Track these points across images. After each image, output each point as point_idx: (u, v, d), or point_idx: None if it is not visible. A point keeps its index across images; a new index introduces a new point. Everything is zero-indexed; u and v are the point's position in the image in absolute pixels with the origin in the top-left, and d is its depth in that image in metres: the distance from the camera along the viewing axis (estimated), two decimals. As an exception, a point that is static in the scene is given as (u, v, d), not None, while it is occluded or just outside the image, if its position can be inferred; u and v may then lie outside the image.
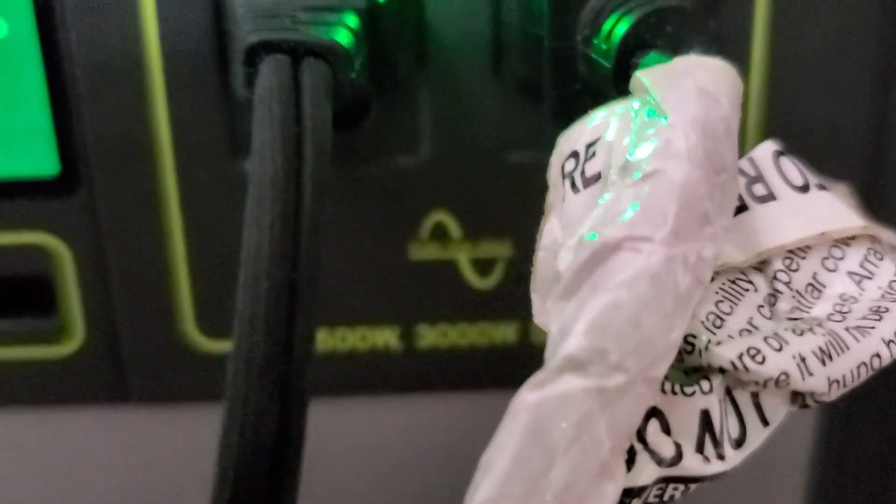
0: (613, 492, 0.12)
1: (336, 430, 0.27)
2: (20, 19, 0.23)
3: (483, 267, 0.25)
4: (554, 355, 0.12)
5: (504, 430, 0.12)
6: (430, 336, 0.26)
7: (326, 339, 0.26)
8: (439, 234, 0.25)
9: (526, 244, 0.25)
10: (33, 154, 0.25)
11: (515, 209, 0.25)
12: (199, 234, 0.25)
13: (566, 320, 0.12)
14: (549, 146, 0.24)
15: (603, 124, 0.15)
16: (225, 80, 0.23)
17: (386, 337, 0.26)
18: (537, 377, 0.12)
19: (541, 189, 0.24)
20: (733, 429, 0.14)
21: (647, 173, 0.13)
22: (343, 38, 0.17)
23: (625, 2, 0.17)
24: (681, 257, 0.12)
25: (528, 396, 0.12)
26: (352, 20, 0.18)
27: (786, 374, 0.13)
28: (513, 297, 0.26)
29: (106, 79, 0.23)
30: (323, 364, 0.26)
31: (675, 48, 0.16)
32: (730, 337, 0.14)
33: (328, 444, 0.27)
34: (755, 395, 0.14)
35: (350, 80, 0.16)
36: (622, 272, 0.12)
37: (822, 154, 0.20)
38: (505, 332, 0.26)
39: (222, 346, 0.26)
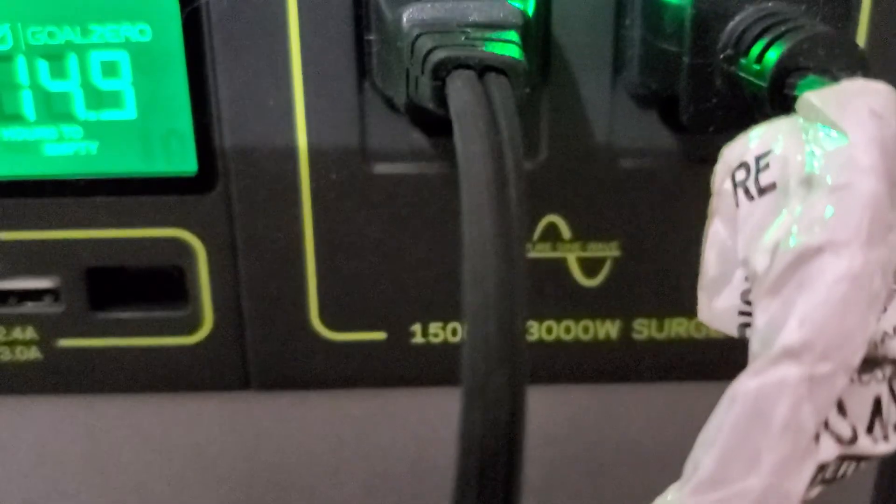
0: (812, 469, 0.13)
1: (442, 416, 0.29)
2: (165, 25, 0.25)
3: (591, 266, 0.27)
4: (766, 346, 0.14)
5: (723, 411, 0.14)
6: (537, 331, 0.28)
7: (438, 333, 0.28)
8: (551, 234, 0.27)
9: (632, 246, 0.26)
10: (173, 153, 0.26)
11: (624, 212, 0.26)
12: (327, 232, 0.26)
13: (775, 315, 0.13)
14: (660, 153, 0.26)
15: (769, 138, 0.16)
16: (361, 88, 0.25)
17: (495, 331, 0.28)
18: (755, 365, 0.14)
19: (648, 194, 0.26)
20: (893, 413, 0.15)
21: (837, 185, 0.14)
22: (518, 54, 0.18)
23: (770, 26, 0.19)
24: (874, 260, 0.13)
25: (749, 382, 0.13)
26: (514, 36, 0.19)
27: (949, 367, 0.15)
28: (617, 296, 0.27)
29: (247, 83, 0.25)
30: (435, 354, 0.28)
31: (824, 70, 0.18)
32: (888, 332, 0.15)
33: (434, 429, 0.29)
34: (911, 386, 0.16)
35: (523, 93, 0.18)
36: (829, 273, 0.13)
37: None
38: (608, 329, 0.28)
39: (343, 337, 0.27)
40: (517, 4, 0.21)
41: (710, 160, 0.26)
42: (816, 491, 0.15)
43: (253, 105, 0.25)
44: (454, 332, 0.28)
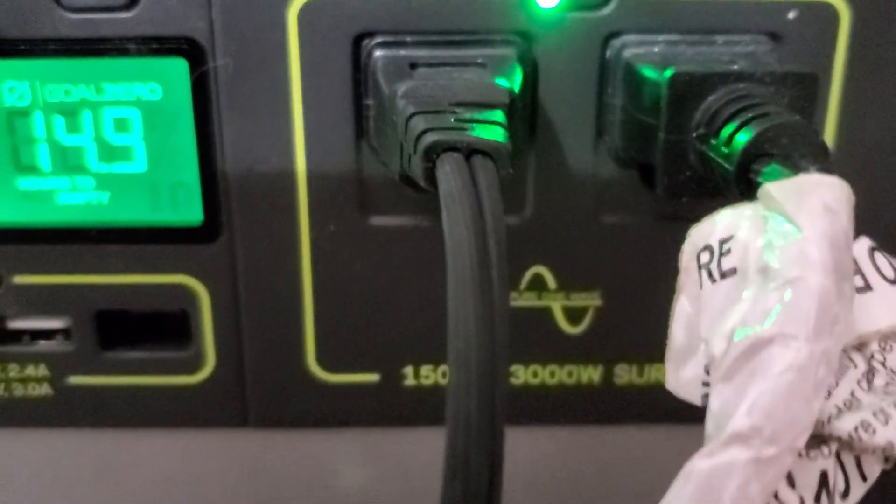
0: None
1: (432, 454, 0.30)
2: (175, 85, 0.26)
3: (574, 315, 0.28)
4: (718, 429, 0.15)
5: (678, 488, 0.15)
6: (523, 375, 0.29)
7: (429, 375, 0.29)
8: (537, 284, 0.28)
9: (613, 295, 0.28)
10: (181, 204, 0.27)
11: (605, 264, 0.27)
12: (325, 280, 0.27)
13: (727, 400, 0.15)
14: (639, 210, 0.27)
15: (733, 224, 0.18)
16: (358, 147, 0.26)
17: (483, 374, 0.29)
18: (707, 448, 0.15)
19: (628, 247, 0.27)
20: (840, 484, 0.17)
21: (788, 279, 0.15)
22: (502, 137, 0.19)
23: (739, 110, 0.20)
24: (819, 352, 0.15)
25: (701, 463, 0.15)
26: (500, 117, 0.21)
27: (891, 443, 0.16)
28: (599, 342, 0.28)
29: (251, 140, 0.26)
30: (426, 396, 0.29)
31: (787, 157, 0.19)
32: (837, 408, 0.17)
33: (423, 467, 0.30)
34: (857, 458, 0.17)
35: (508, 173, 0.19)
36: (776, 364, 0.14)
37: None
38: (591, 374, 0.29)
39: (338, 378, 0.29)
40: (503, 83, 0.22)
41: (686, 218, 0.27)
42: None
43: (256, 161, 0.26)
44: (444, 375, 0.29)
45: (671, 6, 0.25)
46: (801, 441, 0.15)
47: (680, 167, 0.22)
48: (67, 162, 0.27)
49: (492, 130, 0.19)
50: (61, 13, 0.25)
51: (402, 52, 0.24)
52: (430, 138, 0.19)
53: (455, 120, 0.20)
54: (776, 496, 0.15)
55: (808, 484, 0.16)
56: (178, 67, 0.26)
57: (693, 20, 0.25)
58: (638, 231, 0.27)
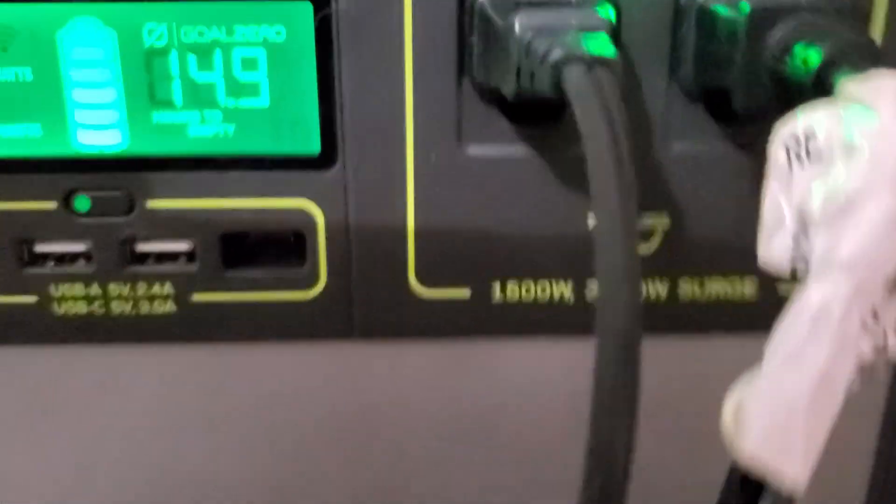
0: (854, 361, 0.18)
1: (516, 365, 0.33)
2: (299, 28, 0.29)
3: (644, 235, 0.32)
4: (825, 265, 0.18)
5: (790, 320, 0.18)
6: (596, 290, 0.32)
7: (514, 290, 0.32)
8: (613, 207, 0.31)
9: (680, 218, 0.31)
10: (300, 136, 0.30)
11: (675, 188, 0.31)
12: (426, 204, 0.31)
13: (830, 242, 0.18)
14: (705, 139, 0.30)
15: (814, 116, 0.21)
16: (460, 83, 0.29)
17: (562, 289, 0.32)
18: (817, 279, 0.18)
19: (695, 173, 0.31)
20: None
21: (871, 149, 0.19)
22: (615, 53, 0.23)
23: (810, 32, 0.24)
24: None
25: (812, 293, 0.18)
26: (606, 39, 0.24)
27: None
28: (666, 261, 0.32)
29: (366, 78, 0.29)
30: (511, 309, 0.32)
31: (856, 66, 0.22)
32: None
33: (507, 376, 0.34)
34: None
35: (623, 84, 0.22)
36: (869, 210, 0.18)
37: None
38: (658, 289, 0.32)
39: (434, 294, 0.32)
40: (603, 14, 0.26)
41: (744, 146, 0.31)
42: (857, 383, 0.20)
43: (369, 96, 0.29)
44: (527, 290, 0.32)
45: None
46: (891, 276, 0.18)
47: (756, 87, 0.25)
48: (198, 97, 0.30)
49: (606, 47, 0.23)
50: (203, -39, 0.28)
51: (507, -3, 0.28)
52: (557, 53, 0.22)
53: (571, 40, 0.23)
54: (865, 327, 0.19)
55: (890, 319, 0.19)
56: (302, 10, 0.29)
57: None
58: (703, 158, 0.30)
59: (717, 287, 0.32)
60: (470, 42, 0.28)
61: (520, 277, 0.32)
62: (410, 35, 0.29)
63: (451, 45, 0.29)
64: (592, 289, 0.32)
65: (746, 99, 0.25)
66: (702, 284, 0.32)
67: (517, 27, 0.24)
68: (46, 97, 0.30)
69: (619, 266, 0.19)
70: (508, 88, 0.25)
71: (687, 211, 0.31)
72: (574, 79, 0.21)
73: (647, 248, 0.32)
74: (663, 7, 0.28)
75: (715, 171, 0.31)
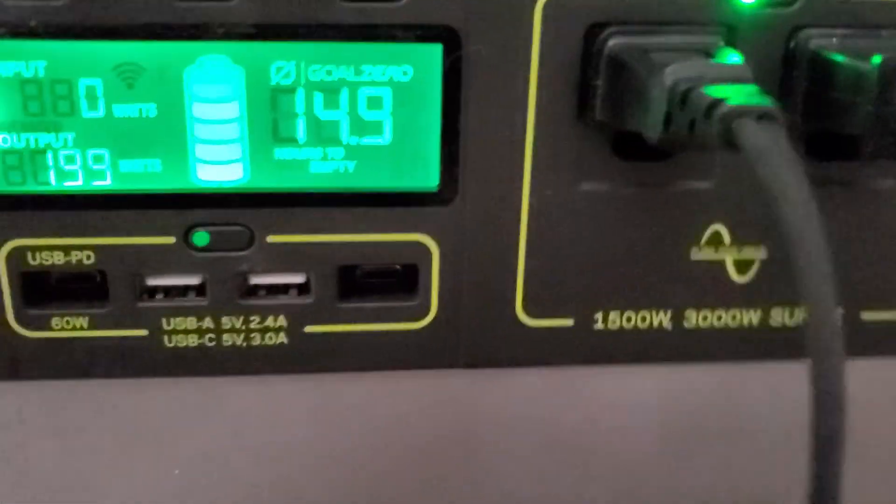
0: None
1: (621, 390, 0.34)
2: (426, 68, 0.30)
3: (742, 266, 0.33)
4: None
5: None
6: (694, 319, 0.34)
7: (616, 319, 0.33)
8: (715, 240, 0.32)
9: (776, 250, 0.33)
10: (421, 172, 0.31)
11: (772, 223, 0.32)
12: (537, 237, 0.31)
13: None
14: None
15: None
16: (577, 121, 0.30)
17: (661, 318, 0.33)
18: None
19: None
20: None
21: None
22: (774, 104, 0.24)
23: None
24: None
25: None
26: (756, 89, 0.25)
27: None
28: (760, 290, 0.33)
29: (489, 118, 0.30)
30: (612, 338, 0.33)
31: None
32: None
33: (606, 401, 0.35)
34: None
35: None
36: None
37: None
38: (752, 317, 0.34)
39: (539, 323, 0.33)
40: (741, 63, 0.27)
41: (832, 182, 0.32)
42: None
43: (491, 134, 0.30)
44: (628, 319, 0.33)
45: (846, 5, 0.30)
46: None
47: (884, 133, 0.27)
48: (322, 134, 0.30)
49: (763, 99, 0.24)
50: (339, 4, 0.28)
51: (636, 40, 0.29)
52: (725, 107, 0.23)
53: (734, 93, 0.24)
54: None
55: None
56: (431, 52, 0.30)
57: (863, 16, 0.30)
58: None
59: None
60: (594, 85, 0.29)
61: (621, 307, 0.33)
62: (536, 77, 0.29)
63: (573, 86, 0.30)
64: (689, 318, 0.34)
65: (873, 145, 0.27)
66: (792, 312, 0.34)
67: (668, 78, 0.25)
68: (169, 133, 0.30)
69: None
70: (653, 132, 0.26)
71: (781, 243, 0.33)
72: (749, 134, 0.22)
73: (743, 278, 0.33)
74: (775, 50, 0.30)
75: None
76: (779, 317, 0.34)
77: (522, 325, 0.33)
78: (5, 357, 0.31)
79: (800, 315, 0.34)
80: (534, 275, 0.32)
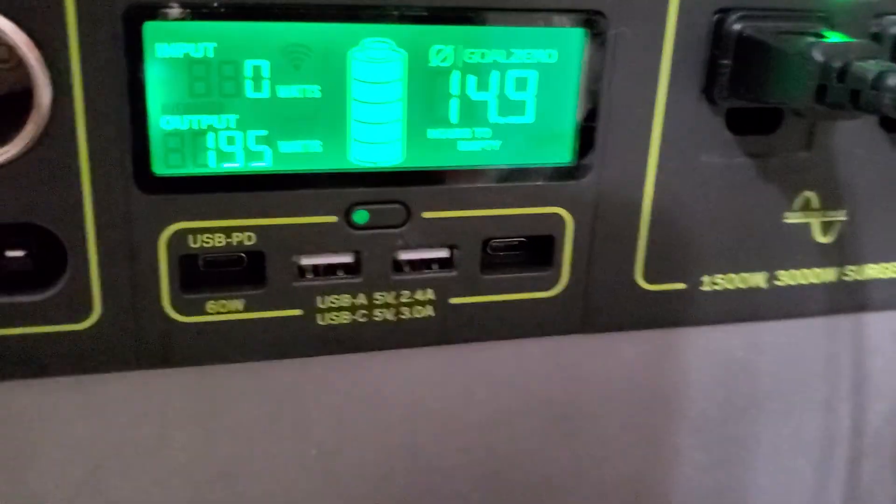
0: None
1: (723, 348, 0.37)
2: (569, 52, 0.31)
3: (827, 228, 0.36)
4: None
5: None
6: (783, 278, 0.37)
7: (718, 282, 0.36)
8: (804, 205, 0.36)
9: (855, 213, 0.36)
10: (559, 149, 0.33)
11: (855, 188, 0.36)
12: (659, 208, 0.34)
13: None
14: (881, 148, 0.35)
15: None
16: (700, 97, 0.33)
17: (756, 279, 0.36)
18: None
19: (871, 174, 0.36)
20: None
21: None
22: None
23: None
24: None
25: None
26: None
27: None
28: (842, 251, 0.37)
29: (622, 98, 0.32)
30: (716, 298, 0.36)
31: None
32: None
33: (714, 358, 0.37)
34: None
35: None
36: None
37: None
38: (830, 275, 0.37)
39: (656, 288, 0.35)
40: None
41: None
42: None
43: (623, 112, 0.32)
44: (730, 281, 0.36)
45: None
46: None
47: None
48: (472, 115, 0.32)
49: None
50: (506, -12, 0.30)
51: (762, 24, 0.31)
52: (892, 79, 0.26)
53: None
54: None
55: None
56: (574, 35, 0.31)
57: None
58: (879, 163, 0.36)
59: (875, 272, 0.38)
60: (722, 63, 0.32)
61: (724, 271, 0.36)
62: (669, 58, 0.32)
63: (700, 66, 0.32)
64: (783, 277, 0.37)
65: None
66: (861, 268, 0.38)
67: (818, 55, 0.28)
68: (330, 114, 0.30)
69: None
70: (800, 103, 0.29)
71: (861, 207, 0.36)
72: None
73: (827, 239, 0.37)
74: (863, 33, 0.33)
75: (883, 173, 0.36)
76: (854, 273, 0.37)
77: (642, 290, 0.35)
78: (159, 344, 0.31)
79: (874, 271, 0.38)
80: (654, 243, 0.34)
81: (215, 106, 0.30)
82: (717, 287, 0.36)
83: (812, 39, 0.30)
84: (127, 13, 0.27)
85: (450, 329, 0.34)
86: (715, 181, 0.34)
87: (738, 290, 0.36)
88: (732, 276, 0.36)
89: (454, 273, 0.33)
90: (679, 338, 0.36)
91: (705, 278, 0.36)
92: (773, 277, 0.37)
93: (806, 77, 0.29)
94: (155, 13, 0.28)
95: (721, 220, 0.35)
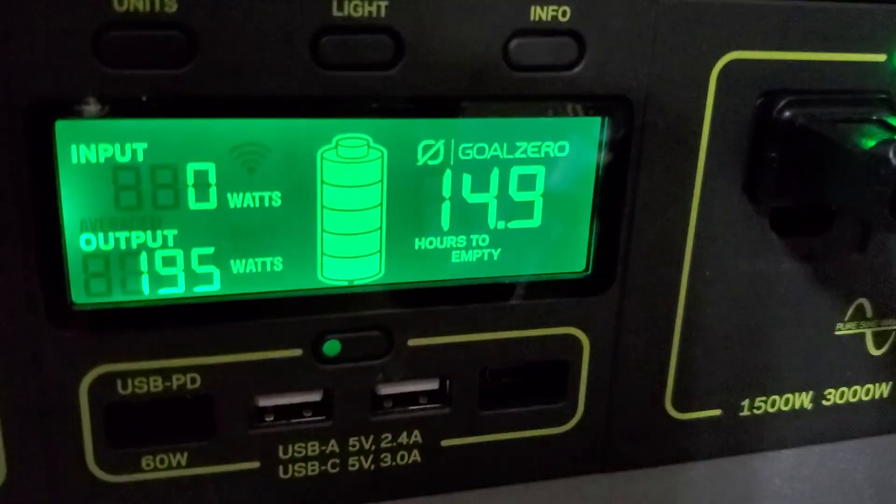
0: None
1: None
2: (584, 143, 0.25)
3: (880, 338, 0.31)
4: None
5: None
6: (832, 397, 0.31)
7: (761, 405, 0.30)
8: (858, 314, 0.30)
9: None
10: (573, 258, 0.27)
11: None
12: (691, 325, 0.28)
13: None
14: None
15: None
16: (742, 196, 0.27)
17: (801, 399, 0.30)
18: None
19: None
20: None
21: None
22: None
23: None
24: None
25: None
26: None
27: None
28: (893, 362, 0.31)
29: (652, 194, 0.26)
30: (751, 426, 0.30)
31: None
32: None
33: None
34: None
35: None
36: None
37: None
38: (882, 390, 0.31)
39: (690, 416, 0.29)
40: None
41: None
42: None
43: (654, 212, 0.26)
44: (772, 404, 0.30)
45: None
46: None
47: None
48: (468, 219, 0.25)
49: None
50: (510, 73, 0.24)
51: (817, 109, 0.26)
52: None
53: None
54: None
55: None
56: (591, 125, 0.26)
57: None
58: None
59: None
60: (767, 157, 0.26)
61: (766, 393, 0.30)
62: (705, 148, 0.26)
63: (742, 158, 0.26)
64: (829, 396, 0.31)
65: None
66: (922, 383, 0.32)
67: (891, 155, 0.23)
68: (295, 225, 0.24)
69: None
70: (871, 213, 0.23)
71: (917, 313, 0.31)
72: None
73: (879, 351, 0.31)
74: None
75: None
76: (911, 388, 0.32)
77: (672, 420, 0.29)
78: (80, 510, 0.24)
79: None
80: (686, 365, 0.28)
81: (148, 220, 0.23)
82: (757, 412, 0.30)
83: (881, 133, 0.24)
84: (32, 109, 0.21)
85: (441, 476, 0.27)
86: (757, 291, 0.28)
87: (781, 414, 0.30)
88: (776, 398, 0.30)
89: (447, 409, 0.27)
90: (712, 471, 0.30)
91: (745, 402, 0.30)
92: (820, 397, 0.31)
93: (878, 182, 0.23)
94: (68, 109, 0.21)
95: (763, 335, 0.29)
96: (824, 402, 0.31)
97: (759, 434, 0.30)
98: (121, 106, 0.22)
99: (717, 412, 0.29)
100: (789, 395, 0.30)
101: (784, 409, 0.30)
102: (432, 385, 0.27)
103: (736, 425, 0.30)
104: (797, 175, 0.26)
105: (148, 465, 0.25)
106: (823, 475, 0.31)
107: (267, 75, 0.22)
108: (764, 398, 0.30)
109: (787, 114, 0.26)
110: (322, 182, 0.24)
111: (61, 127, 0.22)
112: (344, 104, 0.23)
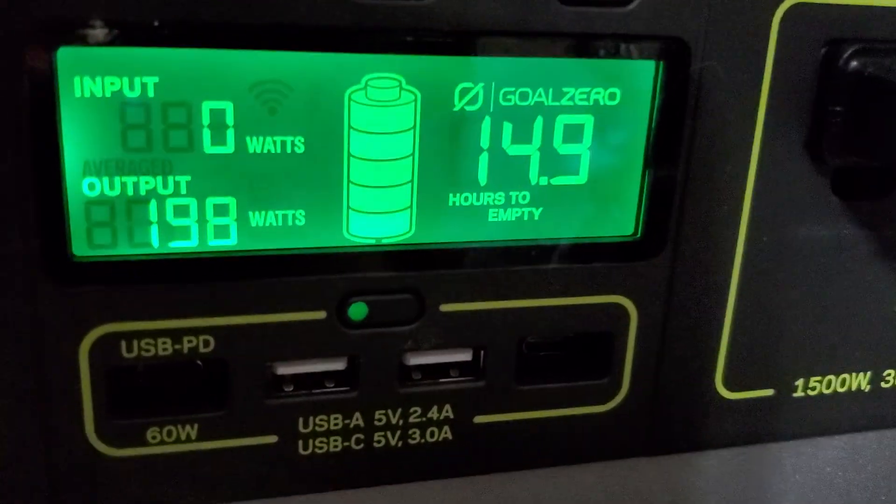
0: None
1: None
2: (637, 90, 0.23)
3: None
4: None
5: None
6: (892, 378, 0.28)
7: (815, 385, 0.28)
8: (920, 289, 0.28)
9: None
10: (617, 219, 0.24)
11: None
12: (747, 295, 0.25)
13: None
14: None
15: None
16: (803, 154, 0.25)
17: (859, 380, 0.28)
18: None
19: None
20: None
21: None
22: None
23: None
24: None
25: None
26: None
27: None
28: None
29: (709, 148, 0.24)
30: (805, 407, 0.28)
31: None
32: None
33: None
34: None
35: None
36: None
37: None
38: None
39: (740, 396, 0.27)
40: None
41: None
42: None
43: (709, 169, 0.24)
44: (828, 385, 0.28)
45: None
46: None
47: None
48: (507, 174, 0.23)
49: None
50: (557, 6, 0.21)
51: (887, 59, 0.23)
52: None
53: None
54: None
55: None
56: (644, 70, 0.23)
57: None
58: None
59: None
60: (832, 111, 0.24)
61: (822, 372, 0.27)
62: (765, 102, 0.24)
63: (804, 114, 0.24)
64: (888, 378, 0.28)
65: None
66: None
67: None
68: (319, 175, 0.22)
69: None
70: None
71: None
72: None
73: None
74: None
75: None
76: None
77: (723, 400, 0.26)
78: (81, 486, 0.22)
79: None
80: (739, 337, 0.26)
81: (159, 164, 0.21)
82: (811, 393, 0.28)
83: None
84: (32, 35, 0.19)
85: (473, 456, 0.25)
86: (817, 259, 0.26)
87: (836, 395, 0.28)
88: (832, 378, 0.28)
89: (481, 383, 0.24)
90: (764, 455, 0.28)
91: (799, 382, 0.27)
92: (878, 378, 0.28)
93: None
94: (71, 35, 0.19)
95: (822, 308, 0.27)
96: (883, 384, 0.28)
97: (813, 417, 0.28)
98: (130, 32, 0.19)
99: (770, 392, 0.27)
100: (846, 376, 0.28)
101: (840, 390, 0.28)
102: (465, 356, 0.24)
103: (789, 407, 0.27)
104: (864, 131, 0.23)
105: (154, 437, 0.22)
106: (880, 465, 0.29)
107: (291, 2, 0.20)
108: (819, 378, 0.27)
109: (854, 64, 0.23)
110: (349, 127, 0.22)
111: (64, 55, 0.19)
112: (375, 37, 0.21)
